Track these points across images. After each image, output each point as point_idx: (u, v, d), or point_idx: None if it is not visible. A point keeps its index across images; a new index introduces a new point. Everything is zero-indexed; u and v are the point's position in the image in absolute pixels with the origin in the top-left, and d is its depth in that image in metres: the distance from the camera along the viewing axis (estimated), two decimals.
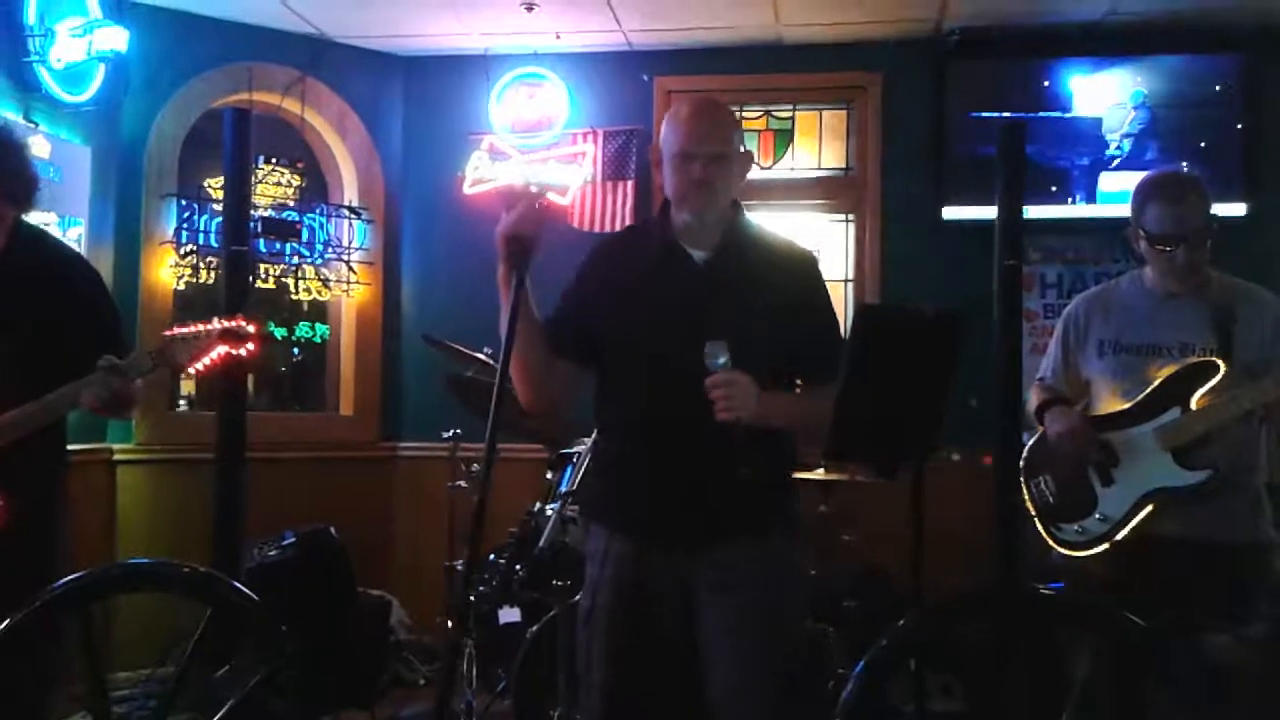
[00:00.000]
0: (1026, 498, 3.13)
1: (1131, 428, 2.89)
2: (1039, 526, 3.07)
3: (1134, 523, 2.84)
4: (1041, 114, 4.97)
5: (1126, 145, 4.95)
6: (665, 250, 2.32)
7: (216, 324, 2.80)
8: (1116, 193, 4.87)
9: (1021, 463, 3.18)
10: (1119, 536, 2.86)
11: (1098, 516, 2.91)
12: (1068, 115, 4.99)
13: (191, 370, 2.83)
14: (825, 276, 2.47)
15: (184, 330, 2.80)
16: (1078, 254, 5.08)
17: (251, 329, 2.84)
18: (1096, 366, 3.01)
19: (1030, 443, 3.19)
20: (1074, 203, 4.99)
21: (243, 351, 2.84)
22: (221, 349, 2.79)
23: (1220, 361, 2.78)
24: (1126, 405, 2.91)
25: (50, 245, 2.83)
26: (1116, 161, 4.95)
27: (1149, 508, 2.82)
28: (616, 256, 2.42)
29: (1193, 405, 2.80)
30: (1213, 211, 2.89)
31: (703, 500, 2.22)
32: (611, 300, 2.31)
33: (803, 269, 2.38)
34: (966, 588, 3.32)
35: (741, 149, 2.37)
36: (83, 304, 2.77)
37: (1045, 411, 3.05)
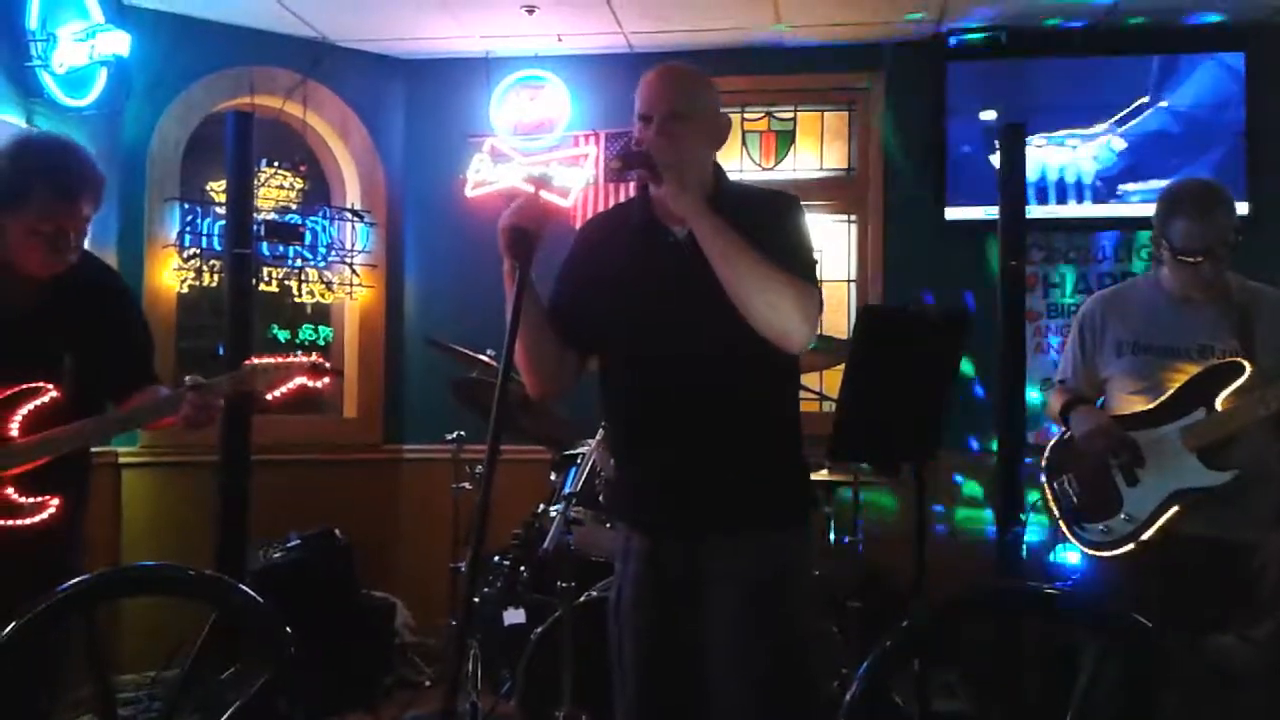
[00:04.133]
0: (1049, 497, 3.13)
1: (1156, 428, 2.89)
2: (1062, 526, 3.07)
3: (1160, 523, 2.85)
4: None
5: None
6: (644, 229, 2.25)
7: (301, 358, 2.86)
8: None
9: (1043, 463, 3.19)
10: (1144, 536, 2.87)
11: (1123, 516, 2.91)
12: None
13: (269, 398, 2.88)
14: (805, 223, 2.25)
15: (266, 360, 2.85)
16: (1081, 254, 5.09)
17: (327, 365, 2.91)
18: (1115, 367, 3.01)
19: (1052, 443, 3.19)
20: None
21: (319, 385, 2.90)
22: (301, 380, 2.84)
23: (1246, 363, 2.78)
24: (1146, 405, 2.92)
25: (94, 259, 2.85)
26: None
27: (1175, 508, 2.83)
28: (599, 240, 2.35)
29: (1218, 406, 2.81)
30: (1237, 220, 2.89)
31: (703, 487, 2.19)
32: (596, 285, 2.27)
33: (769, 210, 2.23)
34: (970, 587, 3.33)
35: (713, 111, 2.25)
36: (128, 321, 2.81)
37: (1070, 412, 3.06)
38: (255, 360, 2.86)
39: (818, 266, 2.25)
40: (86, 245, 2.68)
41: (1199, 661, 2.72)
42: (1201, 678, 2.60)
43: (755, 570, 2.15)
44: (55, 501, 2.61)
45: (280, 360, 2.86)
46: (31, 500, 2.58)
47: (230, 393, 2.79)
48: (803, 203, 2.31)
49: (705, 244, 2.10)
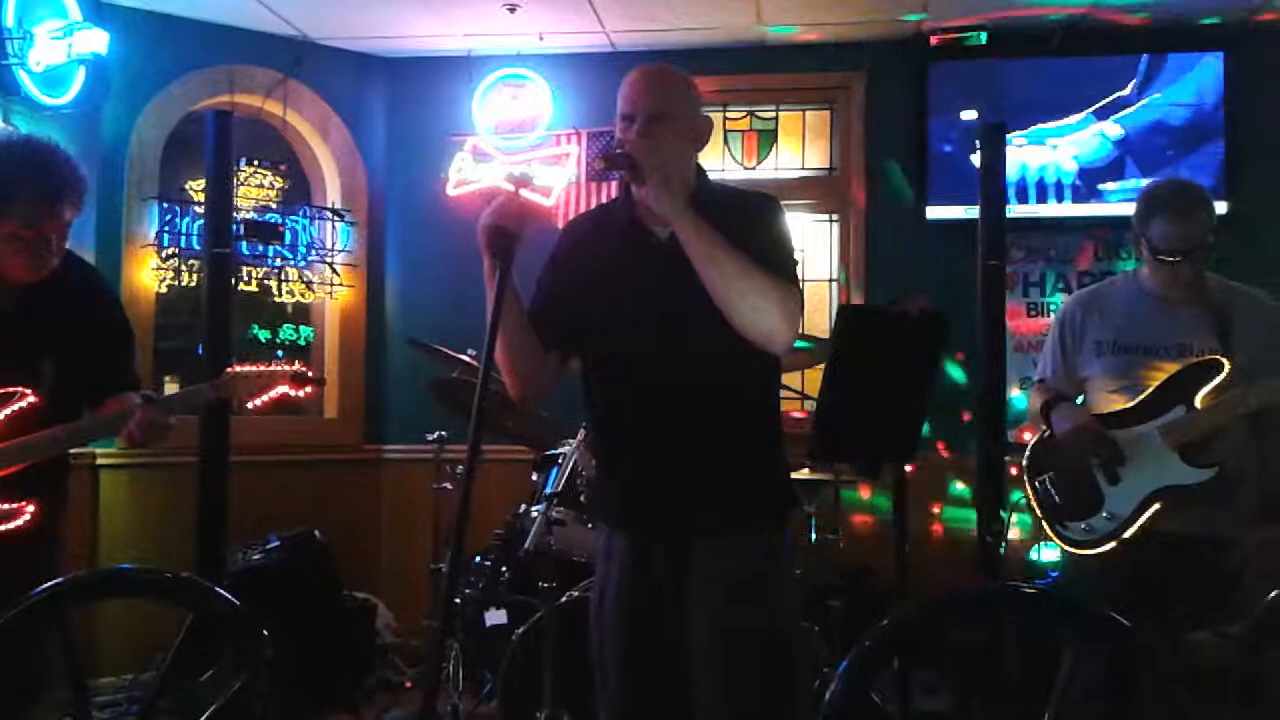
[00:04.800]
0: (1030, 496, 3.14)
1: (1136, 426, 2.91)
2: (1044, 525, 3.09)
3: (1141, 520, 2.87)
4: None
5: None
6: (628, 230, 2.25)
7: (283, 365, 2.88)
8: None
9: (1024, 462, 3.20)
10: (1126, 535, 2.89)
11: (1105, 515, 2.93)
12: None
13: (250, 405, 2.87)
14: (786, 223, 2.26)
15: (248, 368, 2.87)
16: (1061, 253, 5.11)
17: (310, 374, 2.93)
18: (1094, 366, 3.03)
19: (1033, 442, 3.20)
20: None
21: (302, 394, 2.92)
22: (283, 389, 2.82)
23: (1225, 360, 2.80)
24: (1125, 404, 2.94)
25: (78, 260, 2.83)
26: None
27: (1156, 505, 2.85)
28: (582, 240, 2.34)
29: (1197, 404, 2.83)
30: (1215, 219, 2.90)
31: (685, 487, 2.19)
32: (578, 286, 2.26)
33: (749, 210, 2.23)
34: (951, 586, 3.34)
35: (695, 112, 2.26)
36: (109, 324, 2.79)
37: (1052, 410, 3.07)
38: (238, 367, 2.85)
39: (799, 266, 2.26)
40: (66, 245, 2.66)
41: (1177, 659, 2.74)
42: (1179, 675, 2.62)
43: (737, 570, 2.16)
44: (31, 507, 2.59)
45: (263, 368, 2.85)
46: (7, 506, 2.56)
47: (214, 401, 2.78)
48: (784, 202, 2.31)
49: (688, 245, 2.09)
